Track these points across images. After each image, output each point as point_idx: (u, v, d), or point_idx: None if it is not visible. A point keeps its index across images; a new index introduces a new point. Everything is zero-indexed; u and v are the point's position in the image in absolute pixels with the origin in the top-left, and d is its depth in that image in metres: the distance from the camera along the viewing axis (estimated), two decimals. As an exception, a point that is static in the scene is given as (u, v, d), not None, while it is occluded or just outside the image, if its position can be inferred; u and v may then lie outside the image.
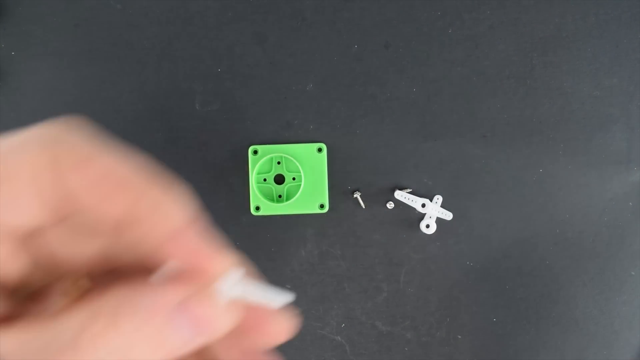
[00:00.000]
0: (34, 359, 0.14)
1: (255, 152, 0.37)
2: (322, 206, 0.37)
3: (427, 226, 0.37)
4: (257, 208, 0.37)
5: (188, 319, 0.16)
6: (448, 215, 0.37)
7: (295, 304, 0.39)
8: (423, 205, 0.36)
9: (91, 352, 0.15)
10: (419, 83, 0.38)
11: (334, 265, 0.37)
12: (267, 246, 0.38)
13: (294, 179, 0.37)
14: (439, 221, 0.37)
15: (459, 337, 0.36)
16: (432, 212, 0.37)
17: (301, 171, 0.36)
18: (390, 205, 0.37)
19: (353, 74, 0.38)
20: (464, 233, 0.37)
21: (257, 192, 0.36)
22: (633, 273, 0.37)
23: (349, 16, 0.38)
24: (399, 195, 0.37)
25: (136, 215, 0.16)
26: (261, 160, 0.36)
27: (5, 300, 0.17)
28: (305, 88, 0.38)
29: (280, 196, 0.37)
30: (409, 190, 0.37)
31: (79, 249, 0.18)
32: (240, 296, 0.17)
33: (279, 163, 0.37)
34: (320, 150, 0.37)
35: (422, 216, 0.37)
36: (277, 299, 0.17)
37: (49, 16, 0.38)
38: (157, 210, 0.16)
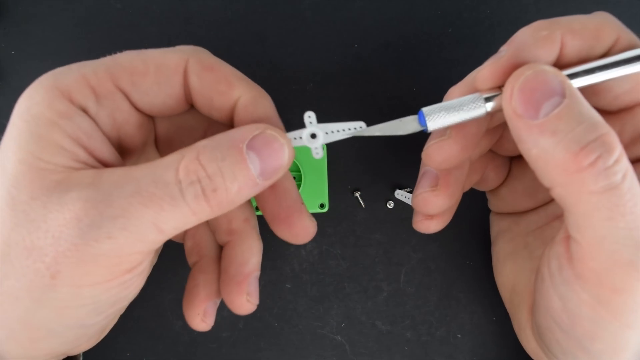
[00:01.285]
0: (135, 186, 0.19)
1: (256, 151, 0.37)
2: (322, 206, 0.37)
3: (427, 226, 0.37)
4: (258, 207, 0.37)
5: (256, 152, 0.20)
6: (448, 215, 0.37)
7: (295, 303, 0.39)
8: (423, 205, 0.36)
9: (191, 181, 0.19)
10: (419, 83, 0.38)
11: (334, 265, 0.37)
12: (267, 246, 0.37)
13: (294, 178, 0.37)
14: (439, 221, 0.37)
15: (459, 336, 0.36)
16: (432, 211, 0.37)
17: (301, 171, 0.36)
18: (390, 204, 0.37)
19: (353, 73, 0.38)
20: (464, 232, 0.37)
21: (257, 191, 0.36)
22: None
23: (349, 16, 0.38)
24: (399, 194, 0.37)
25: (241, 105, 0.23)
26: (261, 160, 0.36)
27: (119, 158, 0.23)
28: (305, 88, 0.38)
29: (280, 196, 0.37)
30: (409, 189, 0.37)
31: (182, 140, 0.26)
32: (320, 133, 0.23)
33: (279, 162, 0.37)
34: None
35: (422, 216, 0.37)
36: (352, 126, 0.22)
37: (49, 16, 0.38)
38: (255, 101, 0.23)
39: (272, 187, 0.24)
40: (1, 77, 0.38)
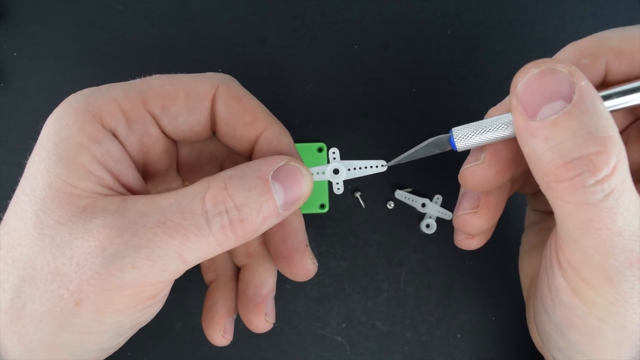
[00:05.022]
0: (160, 215, 0.19)
1: (256, 152, 0.37)
2: (322, 206, 0.37)
3: (427, 226, 0.37)
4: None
5: (280, 182, 0.21)
6: (448, 215, 0.37)
7: (295, 304, 0.40)
8: (423, 205, 0.37)
9: (219, 212, 0.19)
10: (419, 83, 0.38)
11: (334, 266, 0.37)
12: (267, 246, 0.38)
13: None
14: (439, 221, 0.37)
15: (459, 335, 0.36)
16: (432, 211, 0.37)
17: (301, 171, 0.36)
18: (390, 205, 0.37)
19: (353, 74, 0.38)
20: (464, 233, 0.37)
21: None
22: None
23: (349, 17, 0.38)
24: (399, 194, 0.37)
25: (265, 138, 0.23)
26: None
27: (144, 184, 0.23)
28: (305, 88, 0.38)
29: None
30: (409, 189, 0.37)
31: (203, 169, 0.27)
32: (343, 169, 0.24)
33: (279, 163, 0.37)
34: (320, 150, 0.37)
35: (422, 216, 0.37)
36: (375, 164, 0.23)
37: (50, 17, 0.38)
38: (279, 136, 0.24)
39: (281, 224, 0.24)
40: (3, 78, 0.38)
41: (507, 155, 0.23)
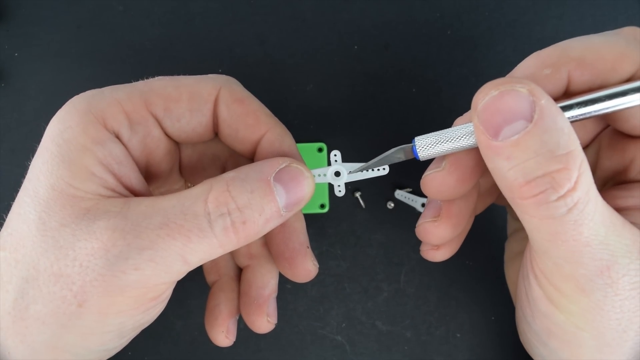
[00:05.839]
0: (163, 217, 0.19)
1: (256, 152, 0.37)
2: (322, 206, 0.37)
3: (427, 226, 0.37)
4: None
5: (282, 184, 0.21)
6: (447, 215, 0.37)
7: (295, 304, 0.40)
8: (423, 205, 0.37)
9: (221, 213, 0.19)
10: (419, 83, 0.38)
11: (334, 265, 0.37)
12: (267, 246, 0.38)
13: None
14: (439, 221, 0.37)
15: (458, 335, 0.36)
16: (432, 211, 0.37)
17: (301, 171, 0.36)
18: (390, 205, 0.37)
19: (353, 74, 0.38)
20: (464, 232, 0.37)
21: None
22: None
23: (349, 17, 0.38)
24: (399, 194, 0.37)
25: (267, 140, 0.23)
26: (262, 160, 0.36)
27: (146, 185, 0.23)
28: (305, 88, 0.38)
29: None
30: (409, 189, 0.37)
31: (205, 171, 0.27)
32: (344, 172, 0.24)
33: (279, 163, 0.37)
34: (320, 150, 0.37)
35: (421, 216, 0.37)
36: (376, 170, 0.23)
37: (51, 17, 0.38)
38: (281, 137, 0.24)
39: (282, 226, 0.24)
40: (4, 78, 0.38)
41: (468, 163, 0.23)
